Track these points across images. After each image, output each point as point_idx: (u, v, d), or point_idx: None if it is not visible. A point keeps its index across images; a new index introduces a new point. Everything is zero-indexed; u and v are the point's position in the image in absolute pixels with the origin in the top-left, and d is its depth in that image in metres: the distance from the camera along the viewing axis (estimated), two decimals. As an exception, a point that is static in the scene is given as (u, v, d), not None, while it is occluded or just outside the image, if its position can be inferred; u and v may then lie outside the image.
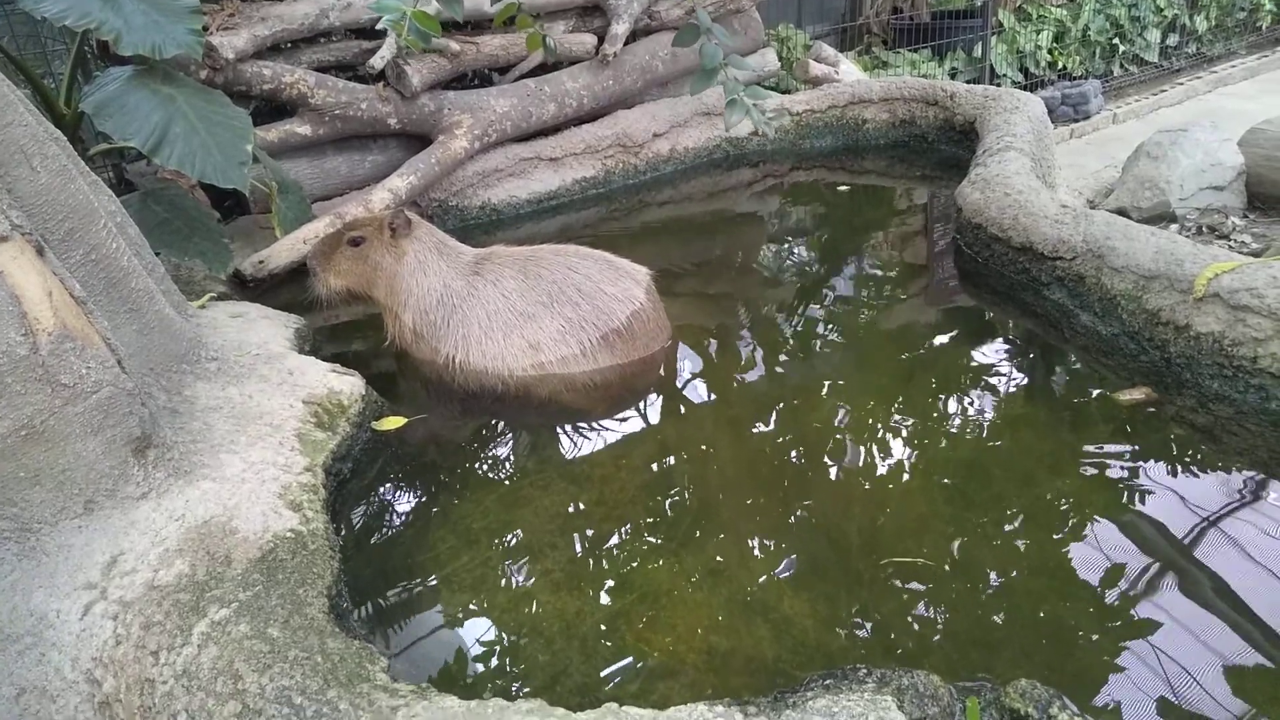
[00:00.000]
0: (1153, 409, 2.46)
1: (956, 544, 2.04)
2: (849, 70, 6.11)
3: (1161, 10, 8.99)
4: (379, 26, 4.14)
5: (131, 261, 2.24)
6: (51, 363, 1.74)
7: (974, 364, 2.84)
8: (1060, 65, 8.53)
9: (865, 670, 1.50)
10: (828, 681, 1.49)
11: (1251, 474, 2.19)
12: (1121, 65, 9.03)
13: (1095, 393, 2.59)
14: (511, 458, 2.58)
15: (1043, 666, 1.71)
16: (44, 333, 1.73)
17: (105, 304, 2.13)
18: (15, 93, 2.07)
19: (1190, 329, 2.50)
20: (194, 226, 3.26)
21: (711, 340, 3.15)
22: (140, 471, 1.90)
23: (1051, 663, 1.72)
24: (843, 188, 4.71)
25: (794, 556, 2.04)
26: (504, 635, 1.89)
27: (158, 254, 2.69)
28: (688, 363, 2.98)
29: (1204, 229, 4.61)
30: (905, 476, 2.30)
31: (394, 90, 4.28)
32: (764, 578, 1.98)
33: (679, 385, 2.86)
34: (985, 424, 2.52)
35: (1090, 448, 2.34)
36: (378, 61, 4.13)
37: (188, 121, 3.06)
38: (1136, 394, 2.52)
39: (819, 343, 3.08)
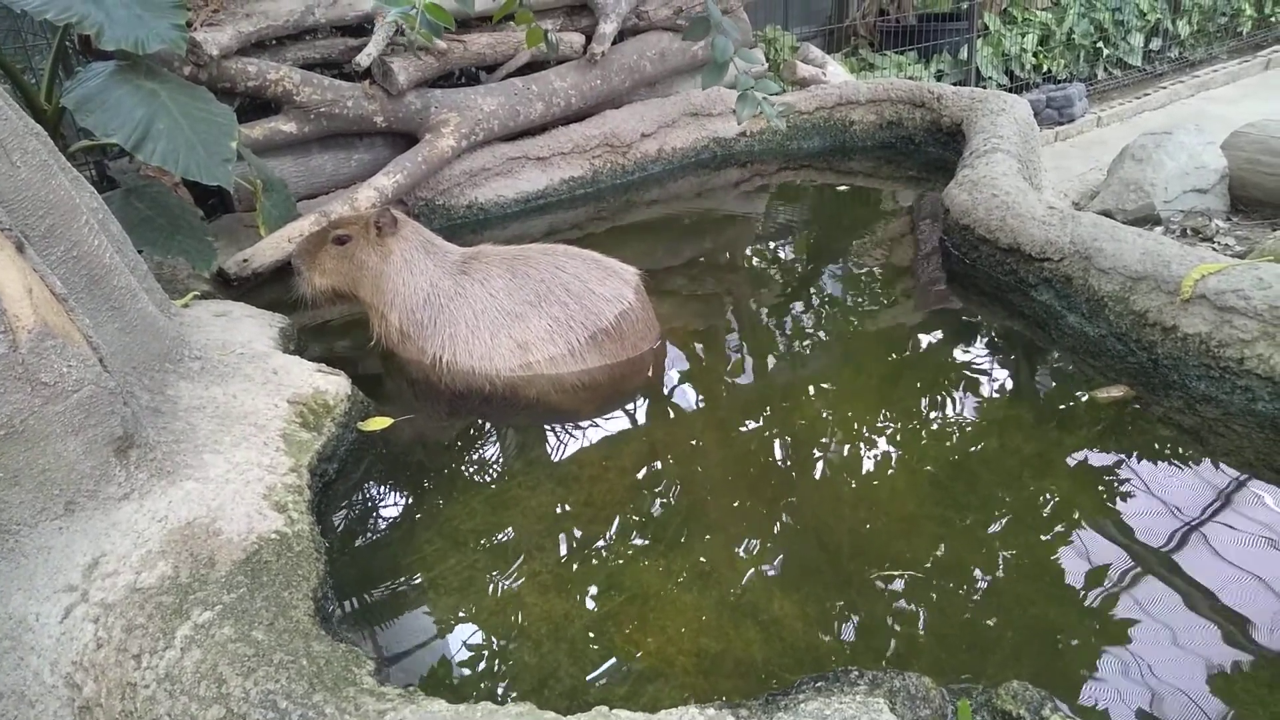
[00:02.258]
0: (1138, 407, 2.47)
1: (944, 545, 2.04)
2: (836, 72, 6.11)
3: (1144, 15, 9.06)
4: (387, 20, 4.10)
5: (113, 259, 2.21)
6: (31, 361, 1.71)
7: (961, 365, 2.85)
8: (1045, 68, 8.58)
9: (857, 673, 1.49)
10: (819, 684, 1.49)
11: (1237, 475, 2.20)
12: (1105, 69, 9.10)
13: (1081, 394, 2.59)
14: (499, 458, 2.56)
15: (1031, 668, 1.71)
16: (24, 330, 1.70)
17: (87, 302, 2.10)
18: (-5, 87, 2.03)
19: (1177, 330, 2.51)
20: (177, 224, 3.22)
21: (700, 341, 3.14)
22: (122, 472, 1.87)
23: (1040, 664, 1.72)
24: (842, 188, 4.71)
25: (782, 558, 2.04)
26: (491, 638, 1.87)
27: (140, 252, 2.66)
28: (676, 363, 2.97)
29: (1188, 231, 4.64)
30: (893, 477, 2.29)
31: (380, 88, 4.25)
32: (753, 579, 1.97)
33: (667, 386, 2.85)
34: (972, 425, 2.52)
35: (1077, 448, 2.34)
36: (364, 59, 4.10)
37: (171, 118, 3.03)
38: (1115, 392, 2.53)
39: (807, 343, 3.07)
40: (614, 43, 4.91)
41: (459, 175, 4.47)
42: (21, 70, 3.82)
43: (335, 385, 2.51)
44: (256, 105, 4.18)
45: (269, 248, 3.64)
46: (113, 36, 2.97)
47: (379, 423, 2.58)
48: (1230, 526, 2.04)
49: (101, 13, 2.98)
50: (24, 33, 4.41)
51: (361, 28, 4.33)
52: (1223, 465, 2.24)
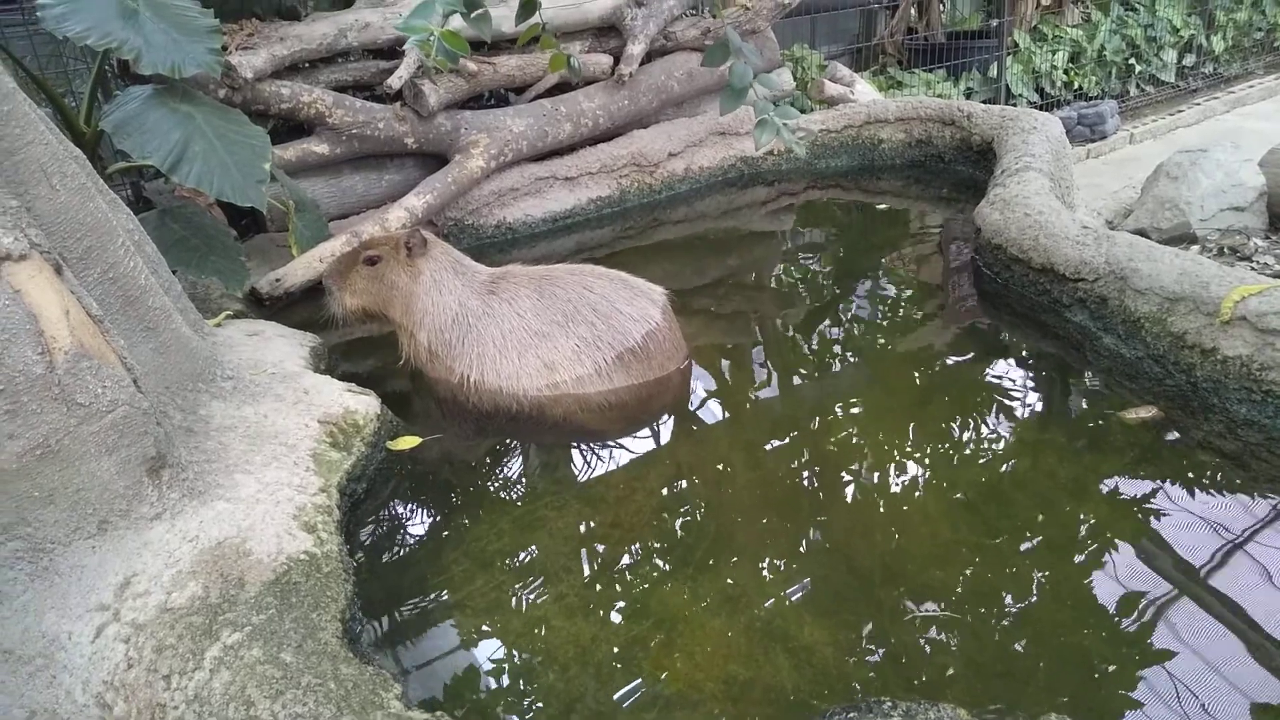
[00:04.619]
0: (1175, 433, 2.42)
1: (977, 570, 2.00)
2: (864, 90, 6.10)
3: (1178, 30, 8.97)
4: (406, 47, 4.15)
5: (149, 280, 2.24)
6: (68, 382, 1.73)
7: (993, 386, 2.81)
8: (1076, 85, 8.51)
9: (890, 703, 1.46)
10: (851, 714, 1.46)
11: (1281, 501, 2.14)
12: (1138, 85, 9.01)
13: (1109, 414, 2.54)
14: (526, 479, 2.55)
15: (1068, 698, 1.67)
16: (60, 351, 1.73)
17: (122, 322, 2.13)
18: (36, 111, 2.07)
19: (1217, 352, 2.46)
20: (211, 245, 3.27)
21: (727, 360, 3.12)
22: (154, 492, 1.89)
23: (1077, 694, 1.68)
24: (881, 206, 4.69)
25: (812, 582, 2.01)
26: (518, 661, 1.86)
27: (175, 272, 2.69)
28: (703, 383, 2.96)
29: (1225, 250, 4.56)
30: (923, 500, 2.26)
31: (411, 110, 4.30)
32: (782, 604, 1.94)
33: (694, 406, 2.83)
34: (1005, 447, 2.48)
35: (1114, 472, 2.30)
36: (395, 81, 4.14)
37: (206, 140, 3.08)
38: (1143, 412, 2.48)
39: (835, 363, 3.05)
40: (642, 63, 4.94)
41: (488, 195, 4.50)
42: (62, 94, 3.90)
43: (365, 405, 2.52)
44: (289, 127, 4.24)
45: (301, 267, 3.68)
46: (151, 61, 3.02)
47: (407, 442, 2.59)
48: (1272, 554, 1.98)
49: (140, 38, 3.03)
50: (65, 57, 4.52)
51: (393, 50, 4.38)
52: (1265, 491, 2.18)
